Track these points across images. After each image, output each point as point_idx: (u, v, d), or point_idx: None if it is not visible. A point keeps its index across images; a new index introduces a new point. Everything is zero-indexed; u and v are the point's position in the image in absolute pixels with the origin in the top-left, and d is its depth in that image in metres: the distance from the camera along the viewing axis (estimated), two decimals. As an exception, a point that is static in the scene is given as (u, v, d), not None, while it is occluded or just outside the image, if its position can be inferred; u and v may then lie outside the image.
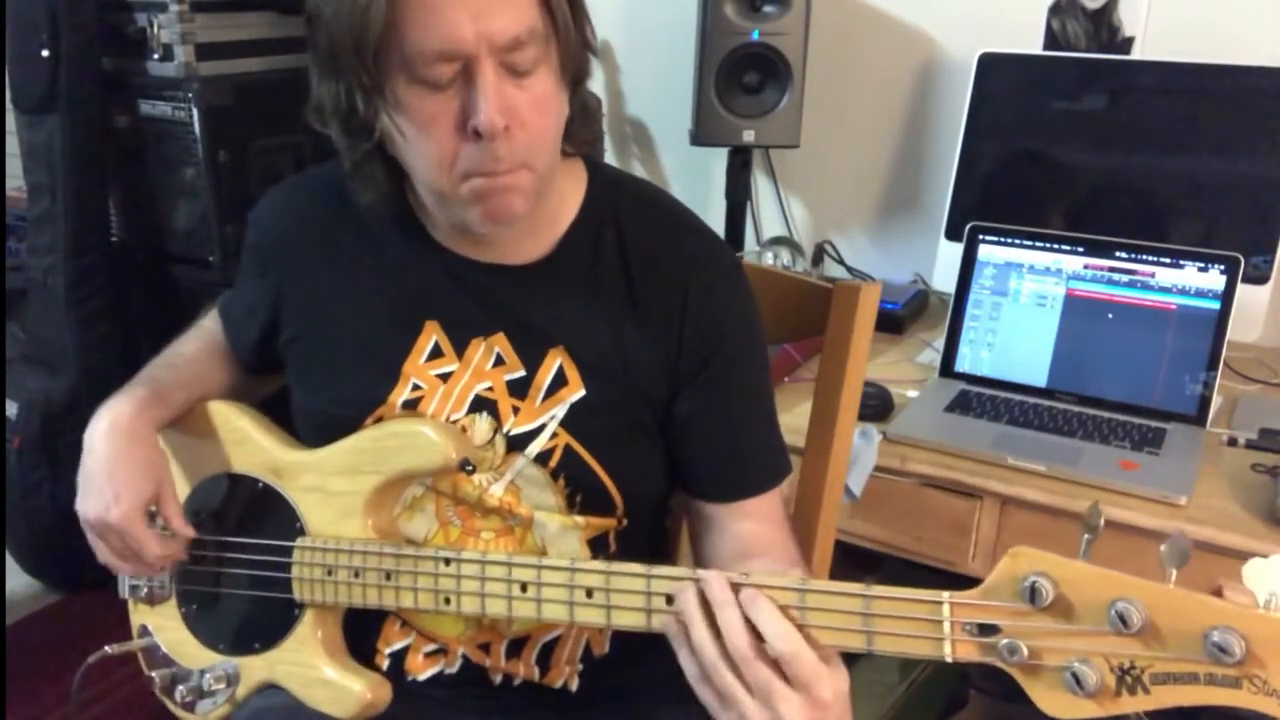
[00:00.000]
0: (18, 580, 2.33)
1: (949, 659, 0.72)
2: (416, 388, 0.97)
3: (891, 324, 1.86)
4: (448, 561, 0.90)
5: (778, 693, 0.72)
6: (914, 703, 1.76)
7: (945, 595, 0.72)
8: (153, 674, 1.08)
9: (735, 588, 0.76)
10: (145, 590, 1.09)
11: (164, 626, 1.09)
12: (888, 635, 0.73)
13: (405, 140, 0.87)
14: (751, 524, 0.99)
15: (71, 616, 2.26)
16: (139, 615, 1.12)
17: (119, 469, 0.97)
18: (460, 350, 0.98)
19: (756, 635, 0.74)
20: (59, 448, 2.21)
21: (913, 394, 1.61)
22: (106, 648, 1.10)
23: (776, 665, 0.73)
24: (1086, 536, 0.70)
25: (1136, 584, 0.66)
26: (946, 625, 0.71)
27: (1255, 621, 0.63)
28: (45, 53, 2.05)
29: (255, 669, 1.02)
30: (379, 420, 0.98)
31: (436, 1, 0.80)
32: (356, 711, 0.96)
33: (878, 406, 1.54)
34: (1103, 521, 0.70)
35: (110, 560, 1.00)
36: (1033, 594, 0.68)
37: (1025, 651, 0.69)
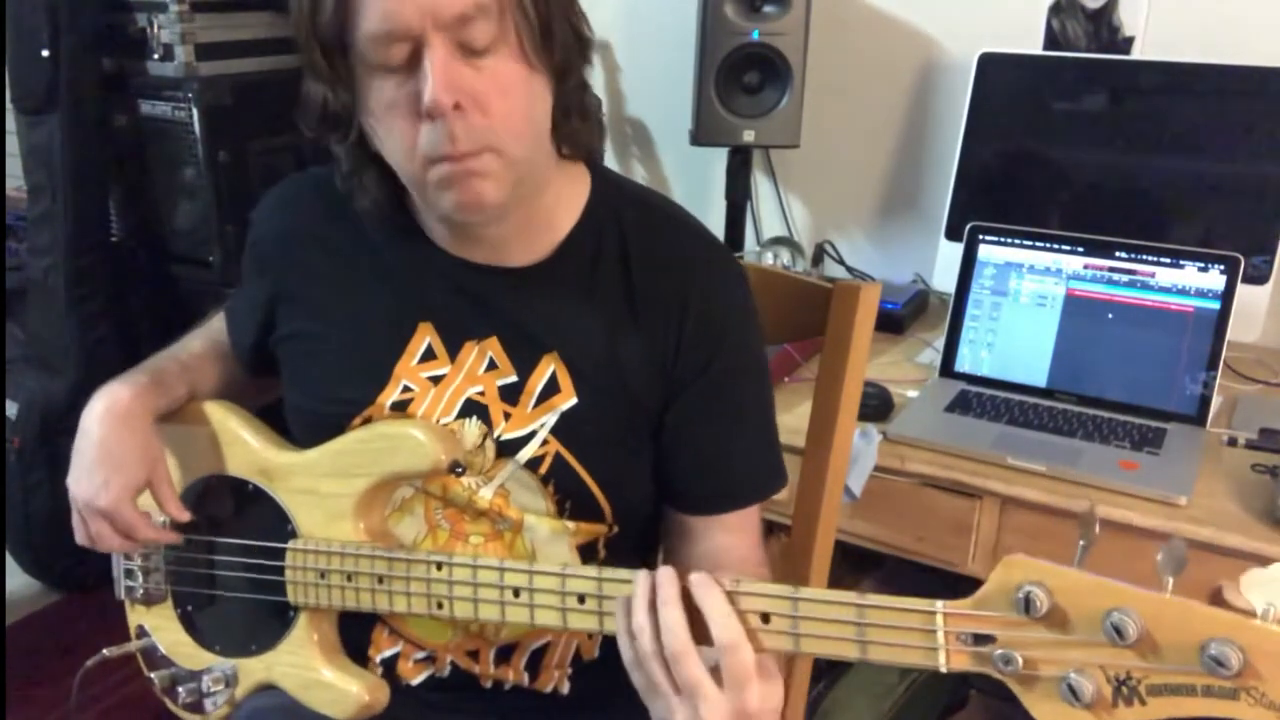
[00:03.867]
0: (18, 580, 2.33)
1: (943, 669, 0.71)
2: (407, 389, 0.97)
3: (891, 324, 1.86)
4: (440, 565, 0.90)
5: (702, 693, 0.73)
6: (914, 703, 1.75)
7: (939, 605, 0.71)
8: (152, 675, 1.08)
9: (682, 575, 0.77)
10: (141, 591, 1.09)
11: (161, 627, 1.09)
12: (881, 645, 0.72)
13: (376, 133, 0.87)
14: (727, 537, 0.99)
15: (71, 616, 2.26)
16: (136, 615, 1.12)
17: (111, 454, 0.96)
18: (453, 353, 0.97)
19: (704, 635, 0.74)
20: (59, 448, 2.21)
21: (913, 394, 1.61)
22: (104, 650, 1.10)
23: (708, 669, 0.74)
24: (1081, 544, 0.69)
25: (1133, 594, 0.65)
26: (940, 635, 0.70)
27: (1253, 633, 0.61)
28: (45, 53, 2.05)
29: (253, 670, 1.02)
30: (368, 421, 0.97)
31: None
32: (354, 712, 0.96)
33: (878, 406, 1.54)
34: (1098, 529, 0.69)
35: (86, 542, 1.00)
36: (1027, 604, 0.67)
37: (1020, 662, 0.68)
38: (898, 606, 0.72)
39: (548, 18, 0.84)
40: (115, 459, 0.96)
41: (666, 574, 0.77)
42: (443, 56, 0.81)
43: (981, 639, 0.70)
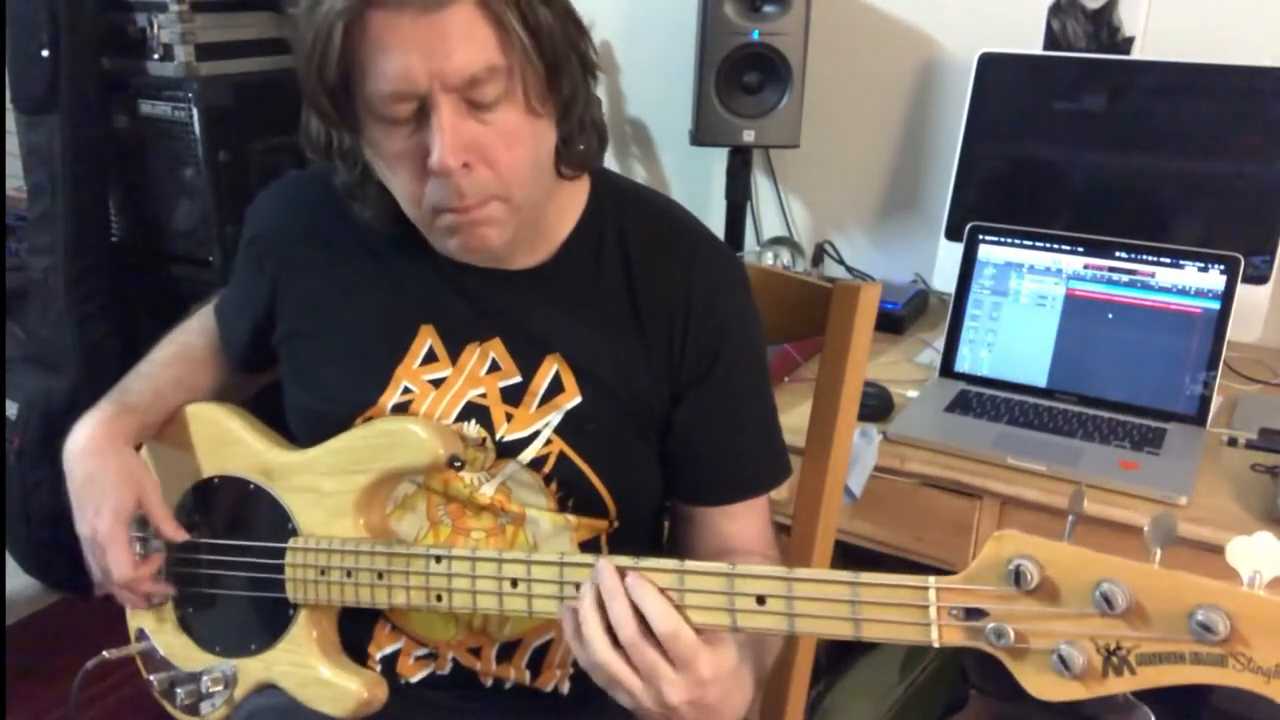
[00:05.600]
0: (18, 580, 2.33)
1: (936, 644, 0.72)
2: (407, 391, 0.97)
3: (891, 324, 1.86)
4: (438, 559, 0.90)
5: (661, 673, 0.76)
6: (914, 703, 1.75)
7: (931, 580, 0.72)
8: (151, 677, 1.08)
9: (622, 572, 0.78)
10: None
11: (161, 629, 1.10)
12: (875, 622, 0.74)
13: (381, 172, 0.89)
14: (737, 523, 1.00)
15: (71, 616, 2.27)
16: (136, 619, 1.12)
17: (93, 486, 0.98)
18: (455, 355, 0.97)
19: (643, 619, 0.77)
20: (59, 448, 2.20)
21: (913, 394, 1.61)
22: (104, 652, 1.10)
23: (662, 648, 0.77)
24: (1070, 518, 0.70)
25: (1121, 564, 0.66)
26: (933, 611, 0.71)
27: (1239, 599, 0.63)
28: (45, 53, 2.05)
29: (252, 670, 1.02)
30: (368, 421, 0.97)
31: (388, 43, 0.79)
32: (353, 710, 0.96)
33: (878, 406, 1.54)
34: (1085, 504, 0.70)
35: (103, 578, 1.01)
36: (1018, 577, 0.68)
37: (1012, 635, 0.69)
38: (891, 583, 0.73)
39: (555, 60, 0.84)
40: (99, 488, 0.98)
41: (605, 570, 0.79)
42: (451, 118, 0.81)
43: (973, 613, 0.70)
